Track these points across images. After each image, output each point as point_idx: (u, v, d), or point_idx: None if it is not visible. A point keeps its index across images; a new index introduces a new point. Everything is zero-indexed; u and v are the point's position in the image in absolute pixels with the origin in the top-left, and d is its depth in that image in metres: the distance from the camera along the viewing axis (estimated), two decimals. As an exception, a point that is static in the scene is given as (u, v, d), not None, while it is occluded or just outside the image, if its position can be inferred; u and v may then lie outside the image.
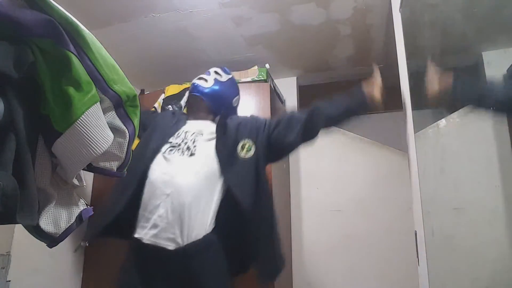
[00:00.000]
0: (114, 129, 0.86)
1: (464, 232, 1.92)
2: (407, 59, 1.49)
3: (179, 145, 1.28)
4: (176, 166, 1.21)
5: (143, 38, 2.12)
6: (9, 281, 1.84)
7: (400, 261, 2.11)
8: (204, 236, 1.15)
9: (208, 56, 2.36)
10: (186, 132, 1.33)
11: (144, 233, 1.17)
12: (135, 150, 1.08)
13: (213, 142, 1.29)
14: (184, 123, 1.41)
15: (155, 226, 1.15)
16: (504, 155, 1.95)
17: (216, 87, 1.45)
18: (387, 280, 2.15)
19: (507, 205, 1.89)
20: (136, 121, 0.93)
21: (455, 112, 2.10)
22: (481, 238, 1.87)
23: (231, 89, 1.53)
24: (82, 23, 0.77)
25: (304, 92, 2.86)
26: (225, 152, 1.26)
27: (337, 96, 1.38)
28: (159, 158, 1.25)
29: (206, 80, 1.44)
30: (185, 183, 1.17)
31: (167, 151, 1.27)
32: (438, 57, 2.02)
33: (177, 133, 1.34)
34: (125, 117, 0.89)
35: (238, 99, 1.56)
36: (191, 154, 1.24)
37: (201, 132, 1.33)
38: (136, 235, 1.19)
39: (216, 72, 1.49)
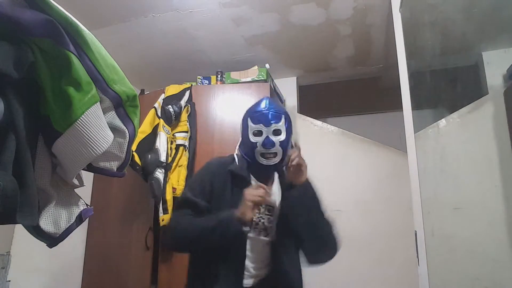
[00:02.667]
0: (114, 129, 0.86)
1: (464, 232, 1.91)
2: (407, 59, 1.49)
3: (257, 224, 1.14)
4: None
5: (143, 38, 2.12)
6: (9, 281, 1.84)
7: (400, 261, 2.11)
8: None
9: (208, 56, 2.37)
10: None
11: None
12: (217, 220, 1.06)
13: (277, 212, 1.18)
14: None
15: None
16: (504, 155, 1.95)
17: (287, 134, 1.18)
18: (387, 280, 2.15)
19: (507, 205, 1.89)
20: (136, 121, 0.93)
21: (455, 112, 2.10)
22: (481, 238, 1.87)
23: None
24: (82, 23, 0.77)
25: (304, 92, 2.86)
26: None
27: None
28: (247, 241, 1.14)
29: (280, 131, 1.16)
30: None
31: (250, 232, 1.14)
32: (438, 57, 2.02)
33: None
34: (125, 117, 0.89)
35: None
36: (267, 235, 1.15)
37: (273, 204, 1.18)
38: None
39: (286, 115, 1.20)
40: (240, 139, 1.23)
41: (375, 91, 2.99)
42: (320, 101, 3.20)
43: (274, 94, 2.25)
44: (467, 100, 2.10)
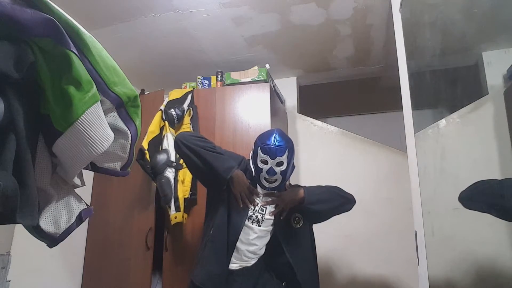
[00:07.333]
0: (116, 130, 0.86)
1: (464, 232, 1.92)
2: (407, 59, 1.49)
3: (251, 216, 1.52)
4: None
5: (143, 38, 2.12)
6: (9, 281, 1.84)
7: (400, 261, 2.11)
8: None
9: (208, 56, 2.36)
10: None
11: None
12: None
13: None
14: None
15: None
16: (504, 155, 1.95)
17: None
18: (387, 280, 2.15)
19: (507, 205, 1.89)
20: (138, 121, 0.93)
21: (455, 112, 2.10)
22: (481, 238, 1.87)
23: None
24: (82, 24, 0.77)
25: (304, 92, 2.86)
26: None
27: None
28: None
29: (283, 163, 1.45)
30: None
31: None
32: (438, 57, 2.02)
33: None
34: (127, 118, 0.89)
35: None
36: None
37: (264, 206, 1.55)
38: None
39: (290, 149, 1.49)
40: (252, 152, 1.52)
41: (375, 91, 2.99)
42: (320, 101, 3.20)
43: (274, 94, 2.25)
44: (467, 100, 2.10)
